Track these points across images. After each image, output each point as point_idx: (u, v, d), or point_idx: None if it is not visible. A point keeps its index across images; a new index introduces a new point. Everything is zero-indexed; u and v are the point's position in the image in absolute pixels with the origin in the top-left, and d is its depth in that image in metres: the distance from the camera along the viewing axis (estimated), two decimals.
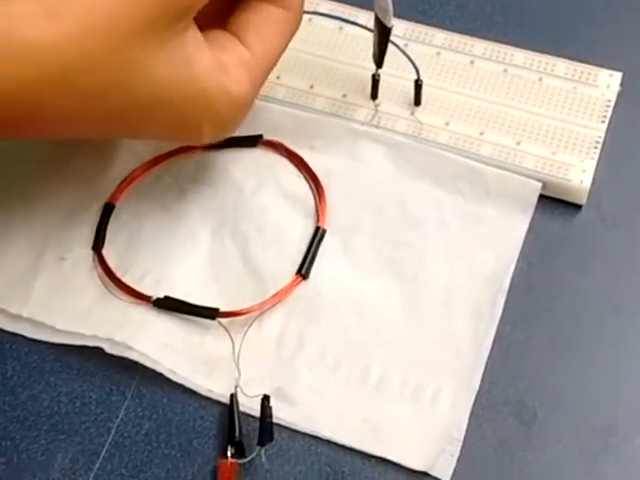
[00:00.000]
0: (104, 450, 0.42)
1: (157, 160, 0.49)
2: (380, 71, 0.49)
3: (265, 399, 0.42)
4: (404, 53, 0.48)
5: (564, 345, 0.44)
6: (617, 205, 0.47)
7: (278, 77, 0.51)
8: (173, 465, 0.41)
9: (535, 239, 0.46)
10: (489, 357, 0.43)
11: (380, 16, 0.45)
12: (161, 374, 0.43)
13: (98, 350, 0.43)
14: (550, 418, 0.42)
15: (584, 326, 0.44)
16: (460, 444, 0.41)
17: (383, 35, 0.46)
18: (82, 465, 0.41)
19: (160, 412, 0.42)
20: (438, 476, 0.40)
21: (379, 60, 0.48)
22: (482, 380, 0.42)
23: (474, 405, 0.42)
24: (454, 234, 0.46)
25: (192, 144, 0.48)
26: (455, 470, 0.40)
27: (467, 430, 0.41)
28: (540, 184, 0.47)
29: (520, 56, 0.51)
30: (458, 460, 0.41)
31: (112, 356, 0.43)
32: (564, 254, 0.46)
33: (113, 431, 0.42)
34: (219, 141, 0.47)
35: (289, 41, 0.44)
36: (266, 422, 0.41)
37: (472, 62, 0.51)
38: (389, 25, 0.45)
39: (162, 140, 0.48)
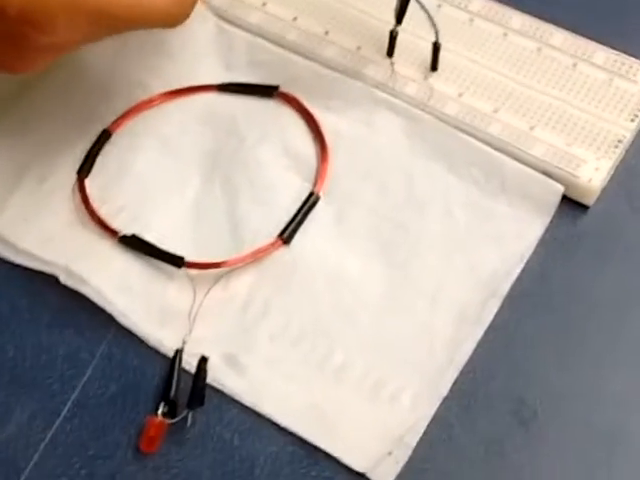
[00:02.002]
0: (65, 409, 0.39)
1: (167, 95, 0.47)
2: (400, 28, 0.46)
3: (202, 361, 0.39)
4: (426, 11, 0.44)
5: (574, 342, 0.40)
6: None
7: (295, 18, 0.48)
8: (137, 431, 0.38)
9: (552, 228, 0.43)
10: (490, 347, 0.40)
11: None
12: (135, 334, 0.40)
13: (72, 303, 0.41)
14: (551, 419, 0.38)
15: (597, 324, 0.41)
16: (409, 452, 0.37)
17: None
18: (40, 422, 0.38)
19: (130, 375, 0.40)
20: None
21: (399, 15, 0.45)
22: (481, 371, 0.39)
23: (469, 398, 0.39)
24: (458, 225, 0.43)
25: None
26: (440, 462, 0.37)
27: (458, 423, 0.38)
28: (562, 188, 0.43)
29: (559, 36, 0.47)
30: (444, 453, 0.37)
31: (85, 311, 0.41)
32: (580, 246, 0.42)
33: (78, 390, 0.39)
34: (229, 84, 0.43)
35: None
36: (198, 385, 0.38)
37: (505, 34, 0.47)
38: None
39: None
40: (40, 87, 0.47)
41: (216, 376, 0.39)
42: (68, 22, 0.38)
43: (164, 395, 0.39)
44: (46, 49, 0.40)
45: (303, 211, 0.43)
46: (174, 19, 0.42)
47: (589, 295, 0.41)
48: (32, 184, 0.44)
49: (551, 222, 0.43)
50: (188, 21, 0.47)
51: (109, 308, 0.40)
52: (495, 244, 0.42)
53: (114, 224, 0.43)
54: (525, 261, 0.42)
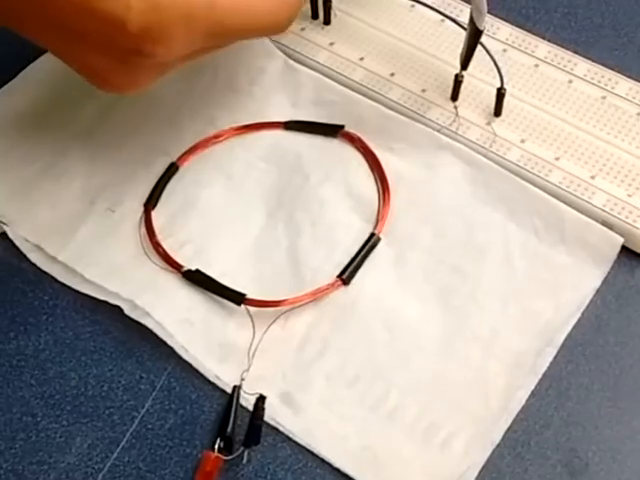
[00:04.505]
0: (124, 439, 0.40)
1: (234, 131, 0.48)
2: (465, 73, 0.46)
3: (260, 400, 0.40)
4: (492, 58, 0.45)
5: (628, 394, 0.40)
6: None
7: (361, 58, 0.49)
8: (193, 465, 0.39)
9: (610, 278, 0.43)
10: (544, 396, 0.40)
11: (474, 16, 0.42)
12: (194, 368, 0.41)
13: (134, 333, 0.42)
14: (602, 472, 0.38)
15: None
16: None
17: (474, 36, 0.43)
18: (100, 452, 0.39)
19: (188, 408, 0.40)
20: None
21: (465, 61, 0.45)
22: (534, 420, 0.39)
23: (521, 446, 0.39)
24: (516, 273, 0.43)
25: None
26: None
27: (509, 472, 0.38)
28: (622, 239, 0.43)
29: (624, 85, 0.47)
30: None
31: (147, 342, 0.42)
32: (637, 298, 0.42)
33: (137, 421, 0.40)
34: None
35: None
36: (255, 424, 0.39)
37: (570, 82, 0.48)
38: (481, 27, 0.42)
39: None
40: (113, 118, 0.48)
41: (272, 414, 0.40)
42: (186, 36, 0.39)
43: (221, 431, 0.39)
44: (156, 66, 0.40)
45: (364, 252, 0.43)
46: (281, 26, 0.43)
47: None
48: (100, 214, 0.45)
49: (609, 272, 0.43)
50: (257, 58, 0.49)
51: (170, 341, 0.41)
52: (552, 293, 0.42)
53: (177, 257, 0.44)
54: (581, 311, 0.42)
